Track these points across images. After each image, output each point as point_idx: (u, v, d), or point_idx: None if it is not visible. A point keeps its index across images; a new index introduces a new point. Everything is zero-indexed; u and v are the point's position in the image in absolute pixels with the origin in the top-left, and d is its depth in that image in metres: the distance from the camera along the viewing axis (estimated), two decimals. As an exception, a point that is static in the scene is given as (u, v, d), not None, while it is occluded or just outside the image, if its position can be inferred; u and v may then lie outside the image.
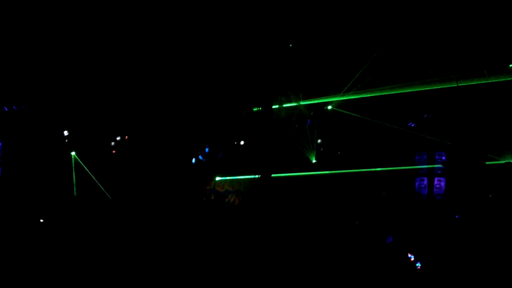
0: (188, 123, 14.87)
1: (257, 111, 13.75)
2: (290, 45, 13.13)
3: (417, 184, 14.71)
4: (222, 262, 7.43)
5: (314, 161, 15.00)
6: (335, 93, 13.63)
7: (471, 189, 12.51)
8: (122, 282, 6.71)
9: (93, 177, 14.89)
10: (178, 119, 14.81)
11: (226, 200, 15.42)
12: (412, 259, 8.72)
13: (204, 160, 15.38)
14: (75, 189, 14.90)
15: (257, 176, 13.64)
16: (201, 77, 13.43)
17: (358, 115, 13.87)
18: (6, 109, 14.38)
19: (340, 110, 13.88)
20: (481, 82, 12.16)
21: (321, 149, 14.88)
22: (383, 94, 13.18)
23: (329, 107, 13.99)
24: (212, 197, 15.52)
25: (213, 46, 12.81)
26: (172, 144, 15.17)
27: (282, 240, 9.34)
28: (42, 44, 13.10)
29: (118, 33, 13.03)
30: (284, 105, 13.94)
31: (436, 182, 14.54)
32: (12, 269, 6.73)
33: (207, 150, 15.41)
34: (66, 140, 15.32)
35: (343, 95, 13.52)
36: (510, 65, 12.00)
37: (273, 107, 13.64)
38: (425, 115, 14.25)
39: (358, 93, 13.31)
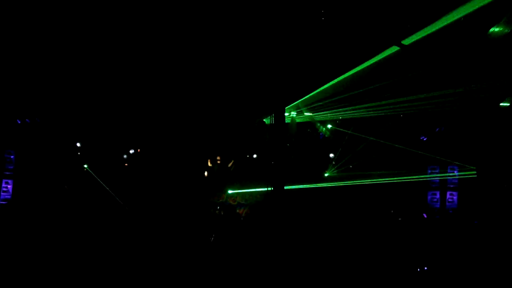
0: (200, 135, 14.93)
1: (270, 122, 13.74)
2: None
3: (429, 197, 14.69)
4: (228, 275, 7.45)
5: (326, 174, 15.02)
6: (346, 107, 13.62)
7: (486, 201, 12.42)
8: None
9: (107, 188, 14.94)
10: (190, 131, 14.86)
11: (238, 212, 15.38)
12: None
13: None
14: (86, 200, 14.91)
15: (269, 188, 13.59)
16: (214, 87, 13.45)
17: (370, 128, 13.90)
18: (19, 122, 14.46)
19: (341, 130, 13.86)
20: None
21: (333, 162, 14.91)
22: (395, 108, 13.21)
23: (329, 126, 13.99)
24: (222, 212, 15.47)
25: (225, 55, 12.83)
26: (184, 157, 15.22)
27: (291, 256, 9.31)
28: (55, 57, 13.16)
29: (128, 45, 13.06)
30: (297, 120, 13.95)
31: (448, 196, 14.52)
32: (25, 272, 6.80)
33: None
34: (79, 153, 15.40)
35: (353, 110, 13.53)
36: None
37: (286, 121, 13.64)
38: (437, 129, 14.26)
39: (370, 108, 13.33)
